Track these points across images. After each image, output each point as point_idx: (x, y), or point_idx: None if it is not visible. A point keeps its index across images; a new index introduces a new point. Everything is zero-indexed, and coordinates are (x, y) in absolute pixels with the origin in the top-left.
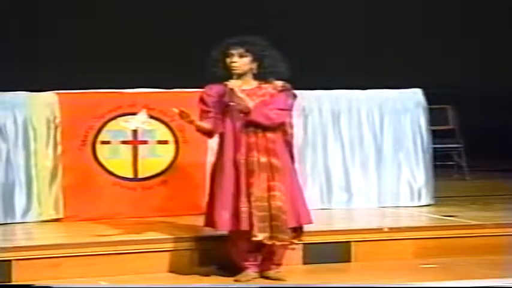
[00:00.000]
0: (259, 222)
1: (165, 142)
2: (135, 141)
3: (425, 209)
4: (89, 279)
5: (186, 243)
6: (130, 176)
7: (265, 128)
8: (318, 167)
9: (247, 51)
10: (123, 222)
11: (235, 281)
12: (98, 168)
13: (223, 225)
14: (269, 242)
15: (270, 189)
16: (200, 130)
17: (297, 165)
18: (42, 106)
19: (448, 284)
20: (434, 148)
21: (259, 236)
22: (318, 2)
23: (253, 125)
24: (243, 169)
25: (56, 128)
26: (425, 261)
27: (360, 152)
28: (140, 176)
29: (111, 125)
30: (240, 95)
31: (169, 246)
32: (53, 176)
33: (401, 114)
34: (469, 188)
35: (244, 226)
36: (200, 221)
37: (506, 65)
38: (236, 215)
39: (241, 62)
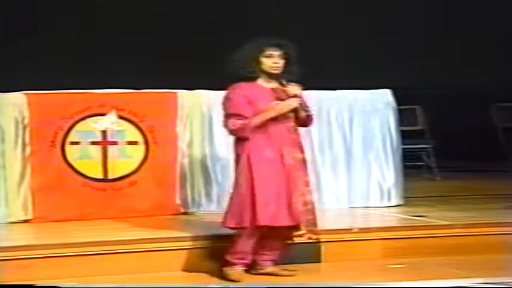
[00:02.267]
0: (304, 216)
1: (135, 143)
2: (104, 142)
3: (394, 209)
4: (61, 281)
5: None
6: (100, 176)
7: (298, 125)
8: None
9: (285, 53)
10: (94, 223)
11: (224, 277)
12: (67, 169)
13: (270, 220)
14: (307, 237)
15: (306, 184)
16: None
17: None
18: (10, 106)
19: (417, 284)
20: (404, 148)
21: (304, 231)
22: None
23: (292, 122)
24: (287, 165)
25: (24, 128)
26: (394, 262)
27: (329, 152)
28: (110, 176)
29: (81, 126)
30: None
31: (149, 247)
32: (22, 177)
33: (370, 115)
34: (438, 188)
35: (292, 221)
36: (169, 221)
37: (476, 65)
38: (281, 210)
39: (280, 63)
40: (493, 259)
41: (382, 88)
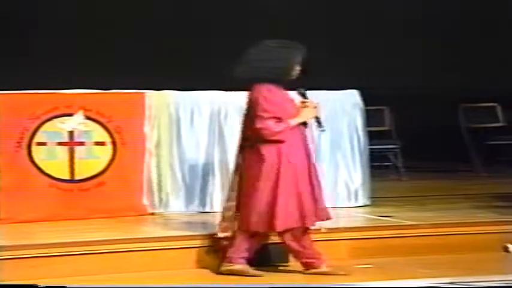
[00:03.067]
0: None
1: (102, 143)
2: (71, 143)
3: (362, 209)
4: (30, 282)
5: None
6: (67, 177)
7: None
8: None
9: (303, 60)
10: (61, 224)
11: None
12: (34, 169)
13: (295, 222)
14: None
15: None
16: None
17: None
18: None
19: (384, 284)
20: (371, 149)
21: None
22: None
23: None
24: (313, 164)
25: None
26: (361, 261)
27: None
28: (77, 177)
29: (47, 126)
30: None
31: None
32: None
33: (338, 115)
34: (405, 188)
35: (323, 218)
36: (136, 221)
37: (441, 66)
38: (303, 212)
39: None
40: (459, 259)
41: (350, 89)
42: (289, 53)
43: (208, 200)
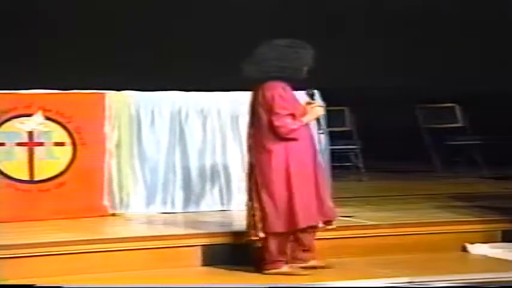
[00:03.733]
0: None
1: (62, 144)
2: (31, 143)
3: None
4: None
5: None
6: (26, 178)
7: None
8: (217, 169)
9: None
10: (20, 225)
11: (287, 273)
12: None
13: (313, 219)
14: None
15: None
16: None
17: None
18: None
19: (344, 284)
20: (332, 149)
21: (334, 225)
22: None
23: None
24: (319, 164)
25: None
26: (323, 261)
27: None
28: (36, 178)
29: (6, 127)
30: None
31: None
32: None
33: None
34: (366, 188)
35: (329, 216)
36: (94, 222)
37: (401, 66)
38: (322, 208)
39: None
40: (418, 258)
41: (311, 88)
42: (300, 53)
43: (169, 200)
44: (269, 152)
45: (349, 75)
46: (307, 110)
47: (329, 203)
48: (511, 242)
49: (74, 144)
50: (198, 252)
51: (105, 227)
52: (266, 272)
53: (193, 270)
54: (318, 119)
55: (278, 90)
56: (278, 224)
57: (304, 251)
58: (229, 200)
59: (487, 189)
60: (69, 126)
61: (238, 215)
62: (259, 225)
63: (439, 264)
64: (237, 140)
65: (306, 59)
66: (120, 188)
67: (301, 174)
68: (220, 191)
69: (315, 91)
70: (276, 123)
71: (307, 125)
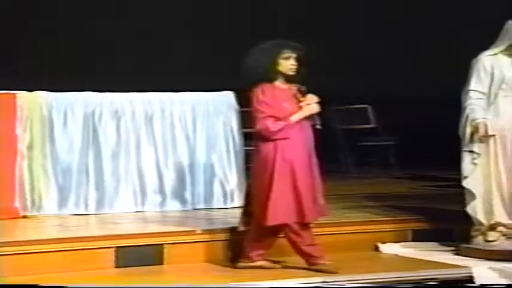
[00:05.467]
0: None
1: None
2: None
3: (237, 210)
4: None
5: None
6: None
7: None
8: (131, 170)
9: (298, 56)
10: None
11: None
12: None
13: (313, 215)
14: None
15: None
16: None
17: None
18: None
19: (258, 285)
20: (247, 150)
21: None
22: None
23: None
24: (314, 162)
25: None
26: (237, 262)
27: (173, 154)
28: None
29: None
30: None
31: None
32: None
33: (214, 117)
34: None
35: (321, 214)
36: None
37: (315, 66)
38: (302, 208)
39: (295, 65)
40: (332, 258)
41: (225, 90)
42: (265, 50)
43: (82, 201)
44: (259, 151)
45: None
46: (298, 108)
47: (321, 201)
48: (421, 242)
49: None
50: (111, 254)
51: (16, 229)
52: (240, 265)
53: (107, 272)
54: (313, 115)
55: (256, 94)
56: (256, 219)
57: (307, 246)
58: (143, 201)
59: (399, 189)
60: None
61: (152, 216)
62: (242, 219)
63: (352, 264)
64: (151, 141)
65: (268, 56)
66: (32, 189)
67: (286, 173)
68: (134, 192)
69: (304, 88)
70: (257, 126)
71: (300, 122)
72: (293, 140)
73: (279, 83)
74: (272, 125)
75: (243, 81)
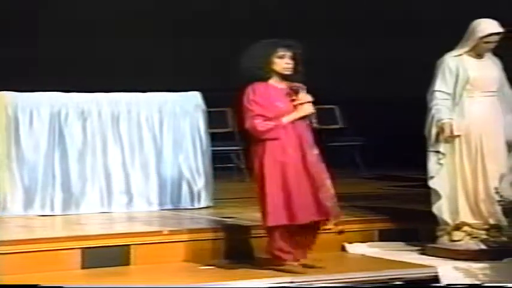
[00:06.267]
0: (333, 210)
1: None
2: None
3: (205, 211)
4: None
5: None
6: None
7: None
8: (97, 170)
9: (294, 54)
10: None
11: (286, 271)
12: None
13: (308, 217)
14: (338, 229)
15: (327, 179)
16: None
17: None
18: None
19: (226, 285)
20: (214, 150)
21: (332, 224)
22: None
23: (307, 121)
24: (310, 162)
25: None
26: (204, 263)
27: (140, 155)
28: None
29: None
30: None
31: None
32: None
33: (180, 117)
34: (248, 189)
35: (321, 215)
36: None
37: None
38: (313, 206)
39: (291, 64)
40: None
41: (192, 90)
42: (259, 50)
43: (48, 202)
44: (254, 152)
45: (230, 76)
46: (292, 108)
47: (326, 201)
48: (387, 241)
49: None
50: (77, 255)
51: None
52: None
53: (73, 273)
54: (310, 114)
55: (246, 93)
56: (262, 219)
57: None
58: (109, 201)
59: (366, 189)
60: None
61: (118, 216)
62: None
63: (319, 264)
64: (118, 141)
65: (262, 55)
66: None
67: (277, 174)
68: (101, 192)
69: (297, 87)
70: (246, 126)
71: (294, 123)
72: (283, 140)
73: (274, 82)
74: (260, 125)
75: (236, 80)
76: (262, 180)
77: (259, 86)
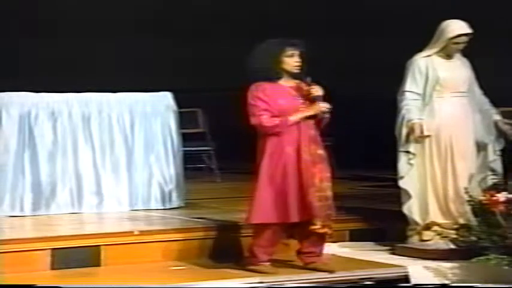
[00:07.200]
0: (320, 211)
1: None
2: None
3: (176, 211)
4: None
5: None
6: None
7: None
8: (68, 171)
9: (302, 52)
10: None
11: (251, 270)
12: None
13: (295, 217)
14: (322, 231)
15: (326, 179)
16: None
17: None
18: None
19: (197, 285)
20: (185, 151)
21: (318, 225)
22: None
23: (313, 119)
24: (304, 160)
25: None
26: (175, 263)
27: (110, 155)
28: None
29: None
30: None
31: None
32: None
33: (151, 117)
34: (219, 190)
35: (305, 216)
36: None
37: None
38: (300, 206)
39: (300, 62)
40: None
41: (163, 91)
42: (266, 50)
43: (18, 203)
44: (258, 148)
45: (200, 76)
46: (296, 106)
47: (314, 201)
48: (358, 241)
49: None
50: (47, 256)
51: None
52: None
53: (43, 274)
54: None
55: (251, 90)
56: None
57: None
58: (80, 202)
59: (337, 189)
60: None
61: (89, 217)
62: None
63: (289, 264)
64: (89, 141)
65: (270, 54)
66: None
67: (271, 172)
68: (71, 193)
69: (307, 81)
70: (252, 122)
71: (299, 122)
72: (284, 139)
73: (283, 82)
74: (265, 120)
75: (241, 81)
76: (257, 177)
77: (264, 84)
